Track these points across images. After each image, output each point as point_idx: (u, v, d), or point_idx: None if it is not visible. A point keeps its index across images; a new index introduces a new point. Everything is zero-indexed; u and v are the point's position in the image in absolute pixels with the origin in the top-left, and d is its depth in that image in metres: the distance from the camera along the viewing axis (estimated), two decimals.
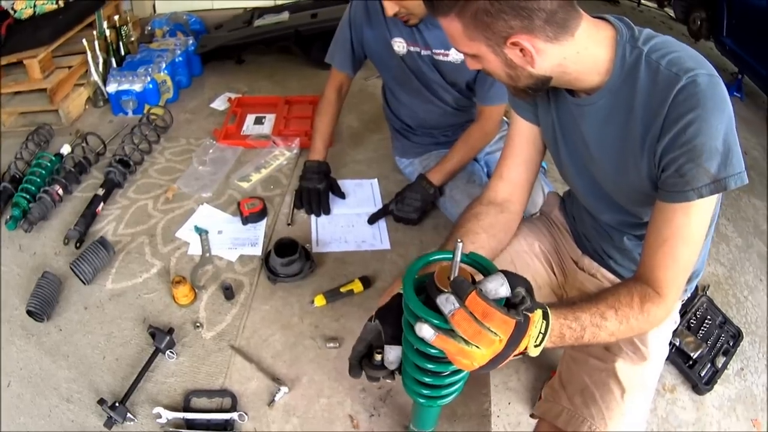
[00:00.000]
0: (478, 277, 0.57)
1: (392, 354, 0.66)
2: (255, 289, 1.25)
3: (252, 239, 1.37)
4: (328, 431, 0.97)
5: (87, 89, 1.99)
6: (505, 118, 1.45)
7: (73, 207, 1.49)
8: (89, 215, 1.41)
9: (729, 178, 0.63)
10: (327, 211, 1.44)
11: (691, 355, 1.25)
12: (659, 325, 0.70)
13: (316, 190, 1.43)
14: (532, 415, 0.88)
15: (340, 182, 1.52)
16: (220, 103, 2.03)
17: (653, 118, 0.65)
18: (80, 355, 1.10)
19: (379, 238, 1.38)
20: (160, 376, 1.06)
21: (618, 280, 0.92)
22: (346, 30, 1.36)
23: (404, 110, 1.46)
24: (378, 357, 0.69)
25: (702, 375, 1.23)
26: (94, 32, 2.00)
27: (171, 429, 0.97)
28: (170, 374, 1.06)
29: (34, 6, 1.97)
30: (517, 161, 0.88)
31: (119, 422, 0.96)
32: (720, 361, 1.26)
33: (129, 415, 0.96)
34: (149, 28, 2.40)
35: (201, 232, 1.39)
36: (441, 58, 1.26)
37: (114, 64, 2.02)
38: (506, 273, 0.53)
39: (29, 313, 1.15)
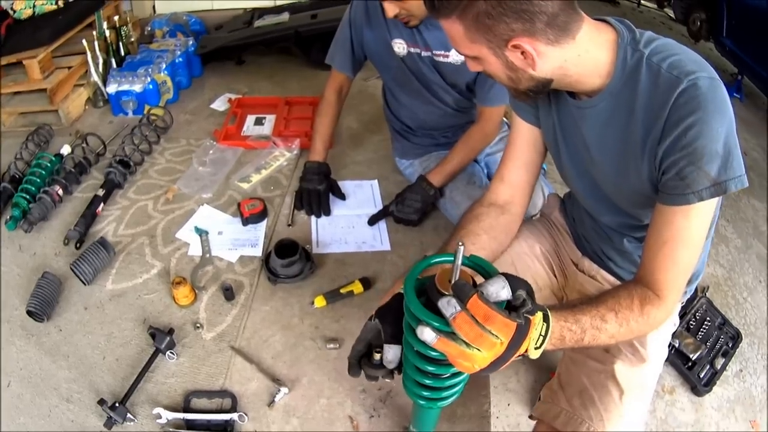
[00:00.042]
0: (479, 279, 0.58)
1: (391, 353, 0.67)
2: (255, 290, 1.25)
3: (252, 240, 1.38)
4: None
5: (87, 90, 1.99)
6: (505, 119, 1.45)
7: (73, 207, 1.49)
8: (89, 216, 1.41)
9: (729, 181, 0.63)
10: (327, 212, 1.44)
11: (691, 356, 1.25)
12: (659, 327, 0.70)
13: (317, 191, 1.43)
14: (531, 417, 0.88)
15: (341, 183, 1.52)
16: (220, 104, 2.03)
17: (654, 121, 0.65)
18: (80, 355, 1.10)
19: (379, 239, 1.38)
20: (161, 376, 1.06)
21: (618, 282, 0.92)
22: (346, 31, 1.36)
23: (404, 111, 1.46)
24: (377, 356, 0.69)
25: (701, 376, 1.23)
26: (94, 33, 2.00)
27: (171, 429, 0.97)
28: (170, 375, 1.06)
29: (34, 6, 1.97)
30: (518, 163, 0.88)
31: (119, 422, 0.96)
32: (719, 362, 1.26)
33: (129, 415, 0.97)
34: (149, 29, 2.40)
35: (201, 232, 1.39)
36: (441, 59, 1.26)
37: (114, 65, 2.01)
38: (507, 276, 0.53)
39: (29, 313, 1.15)
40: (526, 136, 0.87)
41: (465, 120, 1.42)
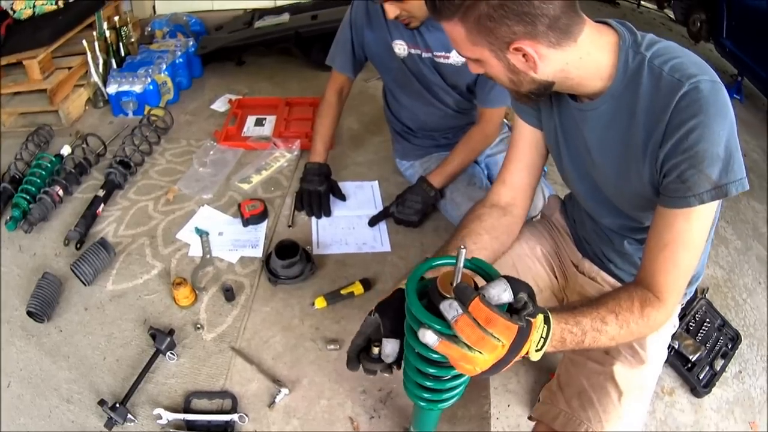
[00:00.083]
0: (480, 281, 0.58)
1: (389, 347, 0.67)
2: (256, 290, 1.25)
3: (253, 241, 1.38)
4: None
5: (87, 90, 1.99)
6: (505, 120, 1.45)
7: (73, 208, 1.49)
8: (90, 216, 1.41)
9: (730, 184, 0.63)
10: (328, 213, 1.44)
11: (690, 357, 1.25)
12: (659, 329, 0.70)
13: (317, 192, 1.43)
14: (530, 418, 0.88)
15: (341, 184, 1.52)
16: (220, 105, 2.03)
17: (655, 124, 0.65)
18: (81, 356, 1.10)
19: (379, 240, 1.38)
20: (161, 377, 1.06)
21: (617, 284, 0.92)
22: (346, 32, 1.36)
23: (405, 112, 1.46)
24: (375, 350, 0.69)
25: (700, 378, 1.23)
26: (94, 33, 2.00)
27: (171, 430, 0.97)
28: (171, 375, 1.06)
29: (34, 6, 1.97)
30: (519, 166, 0.89)
31: (120, 423, 0.96)
32: (718, 363, 1.26)
33: (129, 416, 0.97)
34: (149, 29, 2.40)
35: (202, 233, 1.39)
36: (442, 60, 1.26)
37: (114, 65, 2.01)
38: (509, 278, 0.53)
39: (29, 314, 1.15)
40: (528, 138, 0.87)
41: (465, 121, 1.42)
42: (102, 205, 1.46)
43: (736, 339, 1.34)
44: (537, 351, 0.55)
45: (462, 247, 0.52)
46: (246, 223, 1.41)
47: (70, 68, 1.94)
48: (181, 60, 2.08)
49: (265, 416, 1.00)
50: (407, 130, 1.50)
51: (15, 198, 1.44)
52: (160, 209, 1.50)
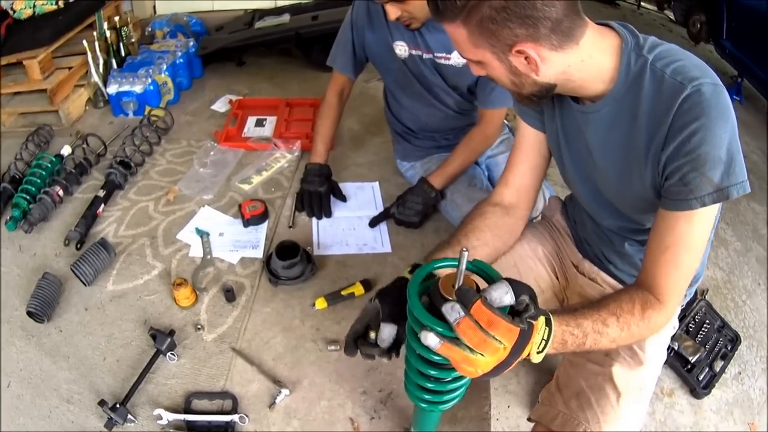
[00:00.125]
0: (482, 284, 0.58)
1: (386, 331, 0.69)
2: (256, 291, 1.25)
3: (253, 242, 1.38)
4: None
5: (87, 90, 1.99)
6: (506, 121, 1.45)
7: (73, 208, 1.49)
8: (90, 216, 1.41)
9: (731, 187, 0.63)
10: (328, 214, 1.44)
11: (690, 359, 1.25)
12: (660, 331, 0.70)
13: (318, 193, 1.43)
14: (529, 419, 0.88)
15: (342, 185, 1.52)
16: (220, 105, 2.03)
17: (658, 127, 0.65)
18: (81, 356, 1.10)
19: (380, 241, 1.38)
20: (161, 377, 1.06)
21: (617, 285, 0.93)
22: (347, 33, 1.36)
23: (406, 113, 1.46)
24: (373, 335, 0.70)
25: (700, 379, 1.23)
26: (95, 33, 1.99)
27: (172, 430, 0.97)
28: (171, 376, 1.06)
29: (34, 6, 1.96)
30: (522, 168, 0.89)
31: (120, 423, 0.96)
32: (718, 365, 1.26)
33: (129, 416, 0.97)
34: (150, 30, 2.40)
35: (202, 234, 1.39)
36: (443, 61, 1.26)
37: (114, 65, 2.01)
38: (510, 281, 0.53)
39: (29, 314, 1.15)
40: (531, 140, 0.87)
41: (466, 122, 1.42)
42: (102, 205, 1.46)
43: (735, 340, 1.34)
44: (538, 353, 0.55)
45: (464, 249, 0.52)
46: (246, 223, 1.41)
47: (70, 68, 1.93)
48: (181, 60, 2.08)
49: (266, 417, 1.00)
50: (408, 131, 1.50)
51: (15, 198, 1.44)
52: (160, 210, 1.50)
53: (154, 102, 1.94)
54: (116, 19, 2.12)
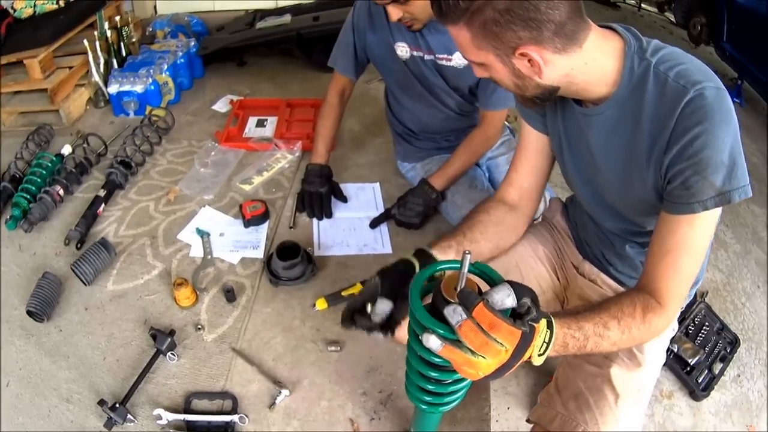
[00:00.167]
0: (484, 286, 0.58)
1: (381, 306, 0.71)
2: (257, 291, 1.25)
3: (254, 242, 1.38)
4: None
5: (88, 90, 1.99)
6: (506, 123, 1.45)
7: (74, 208, 1.49)
8: (90, 216, 1.41)
9: (733, 191, 0.63)
10: (329, 215, 1.44)
11: (689, 361, 1.25)
12: (660, 334, 0.70)
13: (318, 194, 1.44)
14: (528, 420, 0.88)
15: (342, 186, 1.53)
16: (221, 105, 2.03)
17: (660, 130, 0.66)
18: (80, 355, 1.10)
19: (380, 242, 1.38)
20: (161, 377, 1.06)
21: (617, 286, 0.93)
22: (349, 34, 1.36)
23: (407, 114, 1.46)
24: (369, 308, 0.72)
25: (699, 381, 1.23)
26: (95, 33, 2.00)
27: (171, 430, 0.97)
28: (171, 376, 1.06)
29: (34, 5, 1.96)
30: (526, 169, 0.90)
31: (119, 423, 0.96)
32: (717, 367, 1.26)
33: (129, 416, 0.97)
34: (150, 29, 2.40)
35: (203, 234, 1.39)
36: (444, 62, 1.26)
37: (115, 65, 2.01)
38: (512, 283, 0.53)
39: (29, 313, 1.15)
40: (534, 143, 0.87)
41: (467, 124, 1.42)
42: (103, 205, 1.46)
43: (734, 343, 1.34)
44: (539, 355, 0.55)
45: (467, 252, 0.53)
46: (247, 224, 1.41)
47: (71, 68, 1.94)
48: (182, 60, 2.08)
49: (266, 417, 1.00)
50: (409, 132, 1.50)
51: (15, 197, 1.44)
52: (161, 209, 1.50)
53: (155, 102, 1.94)
54: (117, 18, 2.13)
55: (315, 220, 1.44)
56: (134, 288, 1.26)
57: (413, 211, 1.37)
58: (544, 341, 0.55)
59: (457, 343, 0.52)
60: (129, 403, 0.99)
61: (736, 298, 1.48)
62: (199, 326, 1.16)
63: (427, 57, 1.27)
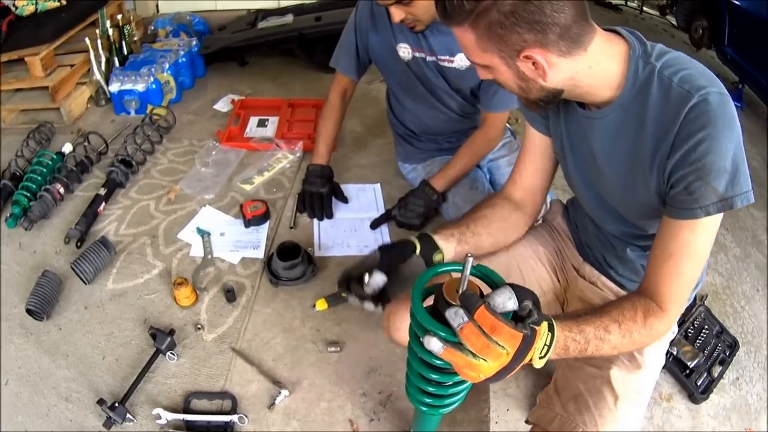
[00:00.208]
0: (485, 288, 0.58)
1: (376, 278, 0.75)
2: (257, 291, 1.25)
3: (254, 242, 1.38)
4: None
5: (89, 88, 1.98)
6: (508, 125, 1.45)
7: (74, 206, 1.49)
8: (91, 215, 1.41)
9: (736, 197, 0.64)
10: (330, 216, 1.44)
11: (688, 364, 1.25)
12: (661, 338, 0.71)
13: (319, 194, 1.44)
14: (527, 421, 0.88)
15: (343, 186, 1.53)
16: (223, 105, 2.03)
17: (664, 135, 0.66)
18: (80, 354, 1.10)
19: (381, 243, 1.38)
20: (161, 377, 1.06)
21: (618, 289, 0.93)
22: (351, 35, 1.36)
23: (408, 116, 1.46)
24: (366, 278, 0.76)
25: (698, 384, 1.23)
26: (97, 31, 2.00)
27: (170, 430, 0.97)
28: (170, 375, 1.06)
29: (36, 3, 1.96)
30: (530, 170, 0.91)
31: (118, 422, 0.96)
32: (716, 370, 1.27)
33: (128, 415, 0.97)
34: (152, 28, 2.39)
35: (203, 233, 1.39)
36: (446, 64, 1.27)
37: (117, 64, 2.01)
38: (514, 286, 0.53)
39: (29, 311, 1.15)
40: (537, 145, 0.88)
41: (469, 125, 1.42)
42: (103, 203, 1.46)
43: (734, 346, 1.34)
44: (540, 358, 0.55)
45: (469, 255, 0.53)
46: (248, 224, 1.41)
47: (72, 66, 1.93)
48: (184, 59, 2.08)
49: (265, 417, 1.00)
50: (410, 133, 1.50)
51: (15, 195, 1.44)
52: (161, 209, 1.50)
53: (156, 101, 1.94)
54: (119, 17, 2.12)
55: (315, 221, 1.44)
56: (134, 287, 1.25)
57: (414, 213, 1.37)
58: (545, 344, 0.55)
59: (459, 345, 0.52)
60: (128, 402, 0.99)
61: (735, 301, 1.48)
62: (199, 326, 1.16)
63: (429, 58, 1.27)
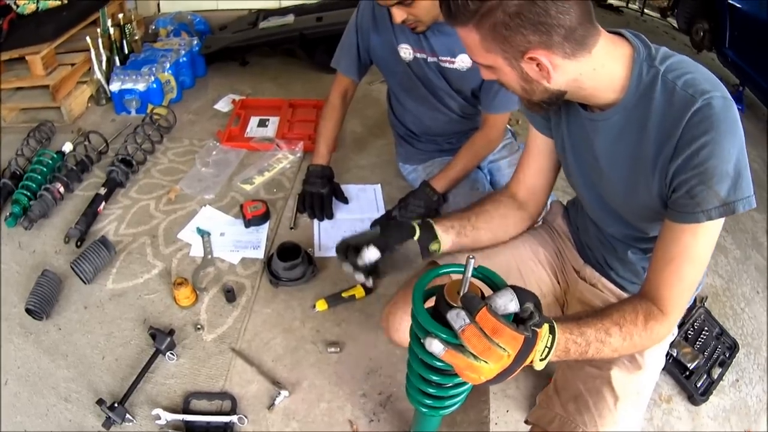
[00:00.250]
0: (486, 290, 0.58)
1: (370, 252, 0.78)
2: (257, 292, 1.25)
3: (254, 242, 1.38)
4: None
5: (90, 87, 1.98)
6: (508, 126, 1.45)
7: (74, 205, 1.48)
8: (90, 214, 1.41)
9: (738, 201, 0.63)
10: (330, 216, 1.44)
11: (688, 365, 1.25)
12: (661, 341, 0.71)
13: (319, 195, 1.44)
14: (526, 421, 0.88)
15: (343, 187, 1.53)
16: (223, 105, 2.03)
17: (667, 139, 0.66)
18: (79, 354, 1.10)
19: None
20: (160, 377, 1.06)
21: (618, 291, 0.93)
22: (352, 35, 1.36)
23: (409, 117, 1.46)
24: (364, 250, 0.78)
25: (698, 386, 1.23)
26: (98, 30, 2.00)
27: (170, 430, 0.97)
28: (170, 376, 1.06)
29: (37, 1, 1.96)
30: (532, 171, 0.91)
31: (118, 423, 0.96)
32: (716, 372, 1.27)
33: (128, 415, 0.97)
34: (153, 28, 2.39)
35: (203, 233, 1.38)
36: (447, 65, 1.26)
37: (117, 63, 2.01)
38: (515, 288, 0.53)
39: (28, 311, 1.15)
40: (540, 145, 0.89)
41: (469, 126, 1.42)
42: (103, 203, 1.46)
43: (733, 348, 1.34)
44: (541, 360, 0.55)
45: (471, 257, 0.53)
46: (248, 224, 1.41)
47: (73, 65, 1.93)
48: (184, 59, 2.08)
49: (265, 418, 1.00)
50: (411, 134, 1.50)
51: (15, 194, 1.44)
52: (161, 208, 1.49)
53: (157, 100, 1.94)
54: (120, 16, 2.12)
55: (316, 221, 1.44)
56: (134, 287, 1.25)
57: (414, 213, 1.37)
58: (546, 346, 0.55)
59: (460, 347, 0.52)
60: (127, 402, 0.99)
61: (735, 303, 1.48)
62: (199, 326, 1.16)
63: (430, 59, 1.27)
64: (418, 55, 1.28)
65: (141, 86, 1.89)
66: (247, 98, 2.05)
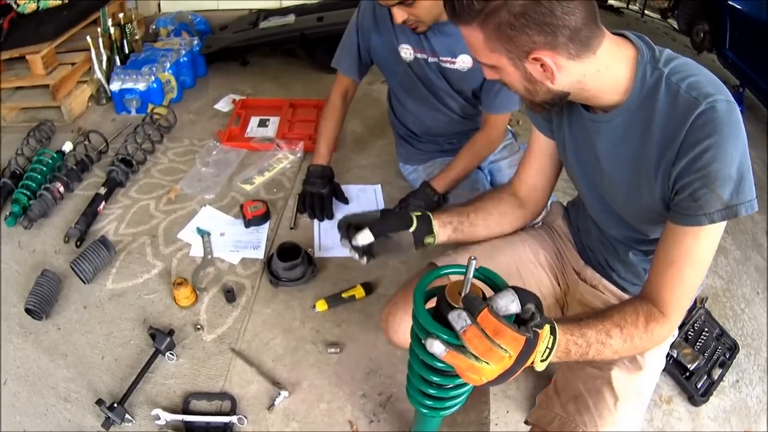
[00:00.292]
0: (488, 290, 0.58)
1: (363, 236, 0.82)
2: (257, 292, 1.25)
3: (254, 242, 1.37)
4: None
5: (90, 87, 1.98)
6: (509, 126, 1.45)
7: (74, 205, 1.48)
8: (90, 214, 1.41)
9: (740, 205, 0.63)
10: (330, 216, 1.44)
11: (688, 366, 1.25)
12: (662, 343, 0.71)
13: (320, 195, 1.43)
14: (526, 422, 0.88)
15: (344, 187, 1.52)
16: (224, 105, 2.03)
17: (670, 141, 0.65)
18: (79, 354, 1.10)
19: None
20: (160, 377, 1.06)
21: (619, 292, 0.93)
22: (353, 35, 1.36)
23: (410, 117, 1.46)
24: (360, 233, 0.83)
25: (698, 386, 1.23)
26: (99, 29, 1.99)
27: (169, 431, 0.97)
28: (170, 376, 1.06)
29: (38, 1, 1.96)
30: (533, 170, 0.92)
31: (117, 423, 0.96)
32: (716, 373, 1.27)
33: (127, 416, 0.96)
34: (154, 27, 2.39)
35: (203, 233, 1.38)
36: (448, 65, 1.26)
37: (118, 62, 2.01)
38: (516, 289, 0.53)
39: (28, 311, 1.14)
40: (542, 146, 0.89)
41: (470, 127, 1.42)
42: (103, 202, 1.45)
43: (733, 348, 1.34)
44: (542, 361, 0.55)
45: (472, 258, 0.52)
46: (248, 224, 1.41)
47: (73, 64, 1.93)
48: (185, 59, 2.08)
49: (264, 418, 0.99)
50: (411, 134, 1.50)
51: (15, 193, 1.43)
52: (161, 208, 1.49)
53: (157, 100, 1.94)
54: (120, 16, 2.12)
55: (316, 222, 1.44)
56: (134, 287, 1.25)
57: None
58: (547, 347, 0.55)
59: (461, 348, 0.52)
60: (127, 402, 0.99)
61: (735, 304, 1.48)
62: (199, 326, 1.15)
63: (431, 59, 1.27)
64: (419, 55, 1.28)
65: (141, 86, 1.89)
66: (248, 98, 2.05)
